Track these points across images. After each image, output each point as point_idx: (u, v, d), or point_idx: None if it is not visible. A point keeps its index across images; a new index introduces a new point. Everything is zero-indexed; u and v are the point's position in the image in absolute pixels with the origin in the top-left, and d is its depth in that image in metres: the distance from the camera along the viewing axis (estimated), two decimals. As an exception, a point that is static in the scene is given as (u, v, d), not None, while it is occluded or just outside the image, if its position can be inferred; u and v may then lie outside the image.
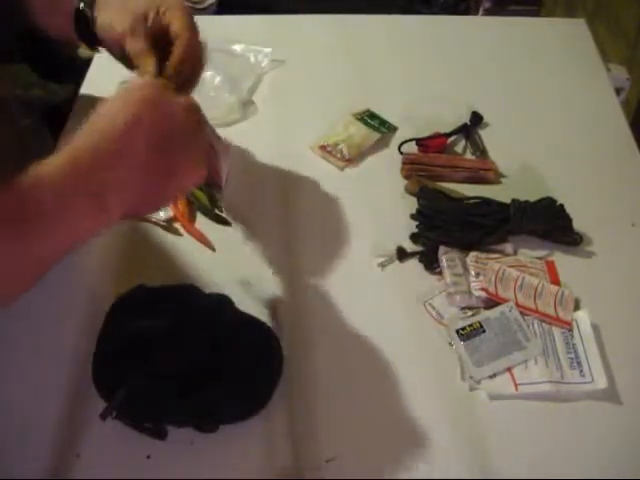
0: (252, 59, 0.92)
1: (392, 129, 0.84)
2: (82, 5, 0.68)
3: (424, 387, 0.61)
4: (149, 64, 0.64)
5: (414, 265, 0.70)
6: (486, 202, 0.73)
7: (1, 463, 0.57)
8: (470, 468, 0.56)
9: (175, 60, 0.65)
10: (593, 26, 1.00)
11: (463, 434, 0.58)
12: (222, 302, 0.60)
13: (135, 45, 0.66)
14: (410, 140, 0.81)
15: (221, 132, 0.72)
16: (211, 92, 0.87)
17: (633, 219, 0.74)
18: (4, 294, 0.48)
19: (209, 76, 0.89)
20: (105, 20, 0.68)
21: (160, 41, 0.67)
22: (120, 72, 0.90)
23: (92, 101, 0.86)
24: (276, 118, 0.86)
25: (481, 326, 0.64)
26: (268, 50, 0.93)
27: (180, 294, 0.60)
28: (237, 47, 0.81)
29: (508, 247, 0.71)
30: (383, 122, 0.84)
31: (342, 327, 0.65)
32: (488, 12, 1.93)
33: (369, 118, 0.84)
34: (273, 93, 0.90)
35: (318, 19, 1.01)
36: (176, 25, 0.66)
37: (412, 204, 0.74)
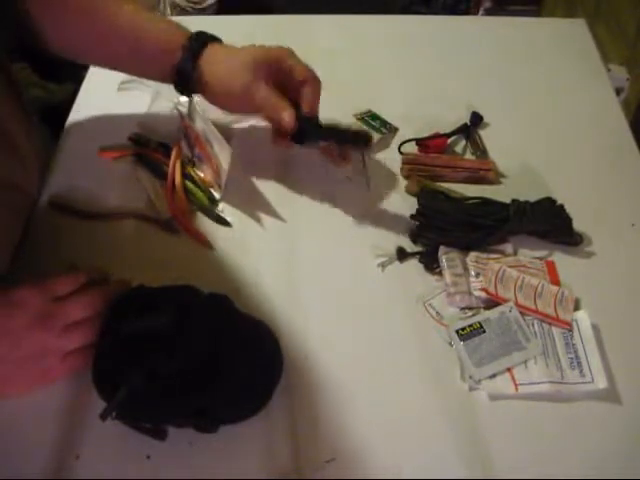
0: None
1: (393, 130, 0.83)
2: (182, 63, 0.71)
3: (424, 387, 0.61)
4: (288, 115, 0.69)
5: (414, 265, 0.70)
6: (486, 202, 0.73)
7: (1, 463, 0.57)
8: (470, 468, 0.56)
9: (312, 103, 0.73)
10: (593, 26, 1.00)
11: (463, 434, 0.58)
12: (222, 302, 0.60)
13: (267, 96, 0.70)
14: (410, 140, 0.81)
15: (222, 132, 0.72)
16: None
17: (633, 219, 0.74)
18: None
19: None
20: (217, 75, 0.71)
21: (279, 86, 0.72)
22: (119, 73, 0.90)
23: (91, 101, 0.87)
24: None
25: (481, 326, 0.64)
26: None
27: (180, 294, 0.60)
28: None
29: (508, 247, 0.71)
30: (384, 123, 0.84)
31: (341, 327, 0.65)
32: (488, 12, 1.93)
33: (370, 119, 0.84)
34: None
35: (318, 19, 1.01)
36: (300, 70, 0.72)
37: (412, 204, 0.74)
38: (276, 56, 0.72)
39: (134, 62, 0.75)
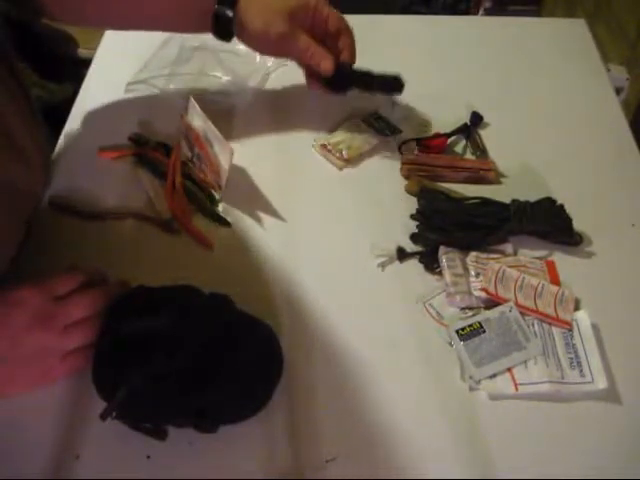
0: (258, 58, 0.92)
1: (397, 132, 0.83)
2: (219, 7, 0.74)
3: (424, 387, 0.61)
4: (328, 63, 0.76)
5: (414, 265, 0.70)
6: (486, 202, 0.73)
7: (1, 463, 0.57)
8: (470, 468, 0.56)
9: (351, 52, 0.79)
10: (593, 26, 1.00)
11: (463, 434, 0.58)
12: (222, 302, 0.60)
13: (306, 45, 0.76)
14: (410, 140, 0.81)
15: (224, 132, 0.72)
16: (217, 92, 0.87)
17: (633, 219, 0.74)
18: None
19: (216, 76, 0.89)
20: (254, 23, 0.75)
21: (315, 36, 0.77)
22: (119, 72, 0.91)
23: (91, 101, 0.87)
24: (280, 117, 0.86)
25: (481, 326, 0.64)
26: None
27: (180, 294, 0.60)
28: (242, 46, 0.82)
29: (508, 247, 0.71)
30: (388, 125, 0.84)
31: (342, 327, 0.65)
32: (488, 12, 1.93)
33: (375, 120, 0.84)
34: (278, 92, 0.90)
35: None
36: (334, 20, 0.78)
37: (412, 204, 0.74)
38: (313, 5, 0.76)
39: (171, 17, 0.78)
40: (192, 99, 0.74)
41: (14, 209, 0.68)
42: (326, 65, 0.76)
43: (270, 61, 0.92)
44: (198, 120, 0.74)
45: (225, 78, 0.89)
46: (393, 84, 0.81)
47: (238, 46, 0.81)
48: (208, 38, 0.82)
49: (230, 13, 0.74)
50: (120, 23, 0.82)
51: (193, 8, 0.76)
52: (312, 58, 0.76)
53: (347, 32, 0.79)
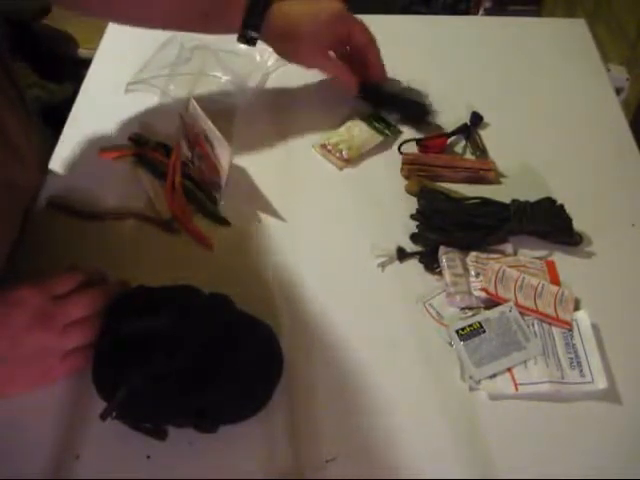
0: (258, 58, 0.92)
1: (397, 132, 0.83)
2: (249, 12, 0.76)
3: (424, 387, 0.61)
4: (353, 86, 0.81)
5: (414, 265, 0.70)
6: (486, 202, 0.73)
7: (1, 463, 0.56)
8: (470, 468, 0.56)
9: (377, 68, 0.82)
10: (593, 26, 1.00)
11: (463, 434, 0.58)
12: (222, 302, 0.60)
13: (332, 64, 0.80)
14: (410, 140, 0.81)
15: (224, 132, 0.72)
16: (217, 91, 0.87)
17: (633, 219, 0.74)
18: None
19: (216, 77, 0.89)
20: (283, 30, 0.77)
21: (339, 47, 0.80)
22: (119, 72, 0.91)
23: (91, 101, 0.87)
24: (281, 117, 0.86)
25: (481, 326, 0.64)
26: None
27: (180, 294, 0.60)
28: (242, 46, 0.82)
29: (508, 247, 0.71)
30: (388, 125, 0.84)
31: (342, 327, 0.65)
32: (488, 12, 1.93)
33: (375, 120, 0.84)
34: (278, 92, 0.90)
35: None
36: (360, 35, 0.80)
37: (412, 204, 0.74)
38: (341, 23, 0.78)
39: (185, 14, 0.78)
40: (192, 99, 0.74)
41: (8, 207, 0.68)
42: (351, 87, 0.80)
43: (270, 61, 0.92)
44: (198, 120, 0.74)
45: (225, 78, 0.89)
46: (417, 113, 0.83)
47: (238, 46, 0.81)
48: (208, 38, 0.82)
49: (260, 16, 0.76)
50: (129, 16, 0.80)
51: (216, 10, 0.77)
52: (336, 75, 0.80)
53: (373, 47, 0.81)
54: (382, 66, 0.83)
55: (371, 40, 0.80)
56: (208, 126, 0.72)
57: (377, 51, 0.81)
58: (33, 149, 0.73)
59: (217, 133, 0.71)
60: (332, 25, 0.77)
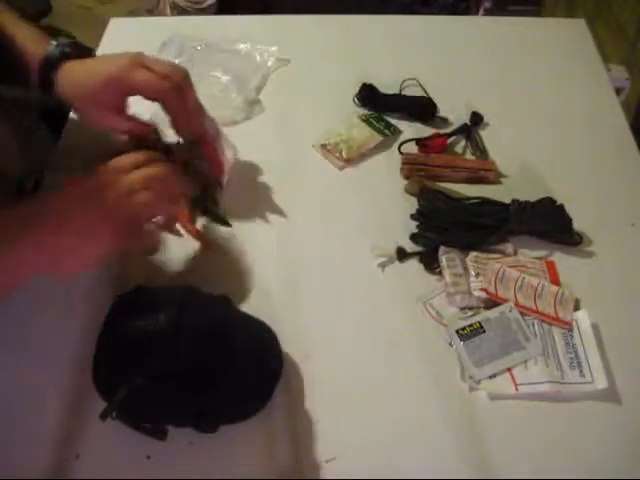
0: (258, 58, 0.92)
1: (396, 132, 0.83)
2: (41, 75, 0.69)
3: (424, 387, 0.61)
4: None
5: (414, 265, 0.70)
6: (486, 202, 0.73)
7: (1, 463, 0.57)
8: (470, 468, 0.56)
9: (180, 122, 0.68)
10: (593, 26, 1.00)
11: (463, 434, 0.58)
12: (222, 302, 0.60)
13: (123, 123, 0.70)
14: (410, 140, 0.81)
15: (226, 131, 0.72)
16: (218, 92, 0.88)
17: (633, 219, 0.74)
18: None
19: (216, 77, 0.89)
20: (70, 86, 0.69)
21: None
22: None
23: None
24: (281, 117, 0.86)
25: (481, 326, 0.64)
26: (274, 49, 0.93)
27: (180, 294, 0.60)
28: (243, 46, 0.81)
29: (508, 247, 0.71)
30: (388, 125, 0.84)
31: (342, 327, 0.66)
32: (488, 12, 1.93)
33: (375, 120, 0.84)
34: (278, 92, 0.90)
35: (318, 19, 1.01)
36: (149, 90, 0.66)
37: (412, 204, 0.74)
38: (118, 84, 0.67)
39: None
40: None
41: None
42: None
43: (270, 61, 0.92)
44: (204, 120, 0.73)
45: (225, 78, 0.89)
46: (422, 107, 0.81)
47: (238, 45, 0.81)
48: (209, 38, 0.82)
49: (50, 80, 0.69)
50: None
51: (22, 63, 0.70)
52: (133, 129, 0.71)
53: (169, 97, 0.66)
54: (187, 116, 0.68)
55: (162, 91, 0.65)
56: (213, 126, 0.72)
57: (175, 100, 0.66)
58: (11, 135, 0.73)
59: (220, 133, 0.71)
60: (107, 87, 0.67)
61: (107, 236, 0.57)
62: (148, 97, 0.67)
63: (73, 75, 0.69)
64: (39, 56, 0.69)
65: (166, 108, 0.67)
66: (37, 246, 0.54)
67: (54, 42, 0.70)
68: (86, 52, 0.72)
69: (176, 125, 0.68)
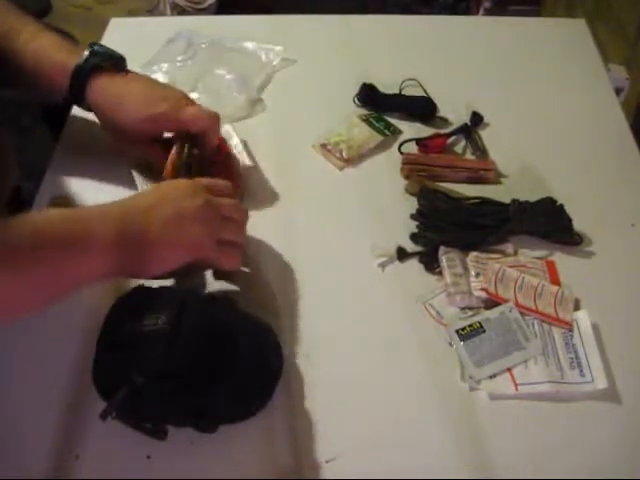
0: (263, 57, 0.92)
1: (396, 132, 0.83)
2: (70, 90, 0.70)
3: (424, 387, 0.61)
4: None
5: (414, 265, 0.70)
6: (486, 202, 0.73)
7: (1, 463, 0.56)
8: (470, 468, 0.56)
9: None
10: (593, 26, 1.00)
11: (463, 434, 0.58)
12: (222, 302, 0.60)
13: (156, 153, 0.72)
14: (410, 140, 0.81)
15: (227, 128, 0.71)
16: (222, 90, 0.88)
17: (633, 219, 0.74)
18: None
19: (220, 74, 0.89)
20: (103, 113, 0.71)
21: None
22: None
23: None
24: (283, 116, 0.86)
25: (481, 326, 0.64)
26: (279, 48, 0.93)
27: (180, 294, 0.60)
28: (249, 45, 0.81)
29: (508, 247, 0.71)
30: (388, 125, 0.84)
31: (342, 327, 0.65)
32: (488, 12, 1.93)
33: (375, 120, 0.84)
34: (281, 91, 0.90)
35: (318, 19, 1.01)
36: (194, 126, 0.69)
37: (412, 204, 0.74)
38: (171, 117, 0.69)
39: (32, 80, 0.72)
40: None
41: None
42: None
43: (275, 60, 0.92)
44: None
45: (229, 76, 0.89)
46: (423, 107, 0.81)
47: (244, 44, 0.80)
48: (214, 36, 0.82)
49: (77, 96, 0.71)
50: None
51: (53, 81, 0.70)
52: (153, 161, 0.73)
53: (210, 135, 0.70)
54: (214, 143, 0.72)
55: (211, 124, 0.70)
56: (226, 130, 0.72)
57: (218, 130, 0.71)
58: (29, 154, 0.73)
59: (236, 140, 0.71)
60: (155, 124, 0.69)
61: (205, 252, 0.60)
62: (192, 131, 0.69)
63: (106, 97, 0.70)
64: (69, 65, 0.69)
65: (207, 139, 0.70)
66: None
67: (87, 52, 0.70)
68: (120, 62, 0.72)
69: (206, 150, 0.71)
